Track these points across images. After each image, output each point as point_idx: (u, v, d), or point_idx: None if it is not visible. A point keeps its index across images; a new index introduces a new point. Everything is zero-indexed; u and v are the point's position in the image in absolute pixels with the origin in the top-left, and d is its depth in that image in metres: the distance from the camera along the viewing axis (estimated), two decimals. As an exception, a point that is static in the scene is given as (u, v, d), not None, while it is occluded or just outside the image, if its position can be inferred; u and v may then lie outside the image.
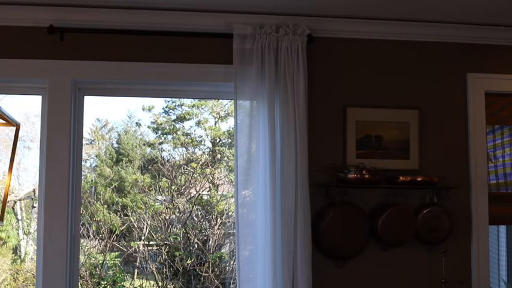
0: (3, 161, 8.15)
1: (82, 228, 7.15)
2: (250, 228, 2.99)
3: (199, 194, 7.59)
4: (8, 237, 8.24)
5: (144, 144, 8.96)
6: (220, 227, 7.28)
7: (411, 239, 3.14)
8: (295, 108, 2.98)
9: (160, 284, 7.20)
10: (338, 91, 3.22)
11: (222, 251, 7.24)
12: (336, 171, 3.10)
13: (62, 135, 2.98)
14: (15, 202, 8.57)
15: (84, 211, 7.38)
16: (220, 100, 7.66)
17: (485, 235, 3.27)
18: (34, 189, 8.44)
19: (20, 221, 8.63)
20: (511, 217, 3.50)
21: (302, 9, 3.06)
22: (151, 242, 7.46)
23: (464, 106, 3.32)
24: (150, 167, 8.19)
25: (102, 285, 7.23)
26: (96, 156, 9.07)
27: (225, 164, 8.03)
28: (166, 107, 8.62)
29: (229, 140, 8.01)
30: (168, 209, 7.46)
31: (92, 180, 8.31)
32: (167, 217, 7.43)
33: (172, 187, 7.57)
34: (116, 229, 7.49)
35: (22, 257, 8.32)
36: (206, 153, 8.23)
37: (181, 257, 7.15)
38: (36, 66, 3.00)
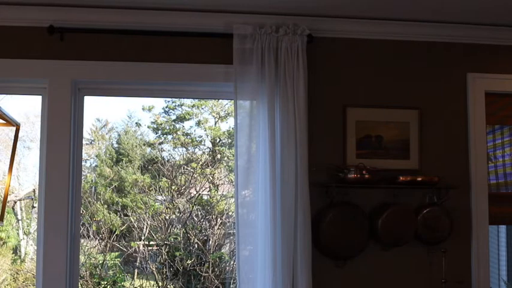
0: (3, 161, 8.15)
1: (82, 228, 7.16)
2: (250, 228, 2.99)
3: (199, 194, 7.59)
4: (8, 237, 8.24)
5: (144, 144, 8.96)
6: (220, 227, 7.28)
7: (411, 239, 3.14)
8: (295, 108, 2.98)
9: (160, 284, 7.20)
10: (338, 91, 3.22)
11: (222, 251, 7.24)
12: (336, 171, 3.10)
13: (62, 135, 2.98)
14: (15, 202, 8.57)
15: (84, 211, 7.39)
16: (220, 100, 7.66)
17: (485, 235, 3.27)
18: (34, 189, 8.44)
19: (20, 221, 8.64)
20: (511, 217, 3.50)
21: (302, 9, 3.06)
22: (151, 242, 7.46)
23: (464, 106, 3.32)
24: (150, 167, 8.19)
25: (102, 285, 7.23)
26: (96, 156, 9.08)
27: (225, 164, 8.04)
28: (166, 107, 8.63)
29: (229, 140, 8.01)
30: (168, 209, 7.47)
31: (92, 180, 8.31)
32: (167, 217, 7.43)
33: (172, 187, 7.57)
34: (116, 229, 7.50)
35: (22, 257, 8.32)
36: (206, 153, 8.23)
37: (182, 257, 7.15)
38: (36, 66, 3.00)
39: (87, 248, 7.30)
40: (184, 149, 8.27)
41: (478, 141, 3.30)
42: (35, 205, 8.33)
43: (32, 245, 8.25)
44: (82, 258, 7.00)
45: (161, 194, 7.65)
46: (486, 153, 3.34)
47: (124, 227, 7.61)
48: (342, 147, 3.18)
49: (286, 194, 2.93)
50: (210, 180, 7.73)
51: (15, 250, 8.37)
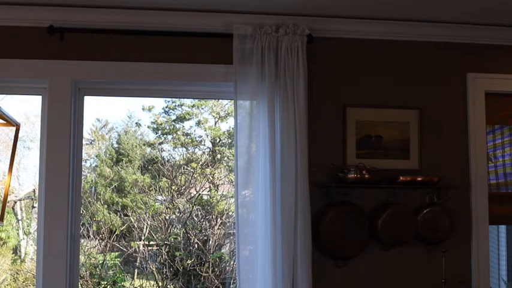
0: (3, 161, 8.15)
1: (82, 228, 7.16)
2: (250, 228, 2.99)
3: (199, 194, 7.60)
4: (8, 237, 8.25)
5: (144, 144, 8.97)
6: (220, 227, 7.29)
7: (411, 239, 3.14)
8: (295, 108, 2.98)
9: (160, 284, 7.21)
10: (338, 91, 3.21)
11: (222, 251, 7.25)
12: (336, 171, 3.10)
13: (62, 135, 2.98)
14: (15, 202, 8.58)
15: (84, 211, 7.39)
16: (220, 100, 7.66)
17: (485, 235, 3.26)
18: (34, 189, 8.45)
19: (20, 221, 8.64)
20: (511, 217, 3.50)
21: (302, 9, 3.06)
22: (151, 242, 7.47)
23: (464, 106, 3.32)
24: (150, 167, 8.20)
25: (102, 285, 7.24)
26: (96, 156, 9.08)
27: (225, 164, 8.04)
28: (166, 107, 8.64)
29: (229, 140, 8.01)
30: (168, 209, 7.47)
31: (92, 180, 8.32)
32: (167, 217, 7.43)
33: (172, 187, 7.58)
34: (116, 229, 7.50)
35: (22, 257, 8.33)
36: (206, 153, 8.24)
37: (182, 257, 7.16)
38: (36, 66, 3.00)
39: (87, 248, 7.30)
40: (184, 149, 8.28)
41: (478, 141, 3.30)
42: (35, 205, 8.34)
43: (32, 245, 8.26)
44: (82, 258, 7.00)
45: (161, 194, 7.66)
46: (486, 153, 3.33)
47: (124, 227, 7.62)
48: (342, 147, 3.18)
49: (286, 194, 2.93)
50: (210, 180, 7.73)
51: (15, 250, 8.38)
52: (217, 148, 8.22)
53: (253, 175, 2.99)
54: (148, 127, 8.83)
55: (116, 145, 9.45)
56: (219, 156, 8.14)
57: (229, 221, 7.25)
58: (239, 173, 2.97)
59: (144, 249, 7.45)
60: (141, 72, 3.07)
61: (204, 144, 8.35)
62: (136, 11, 3.03)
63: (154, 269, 7.26)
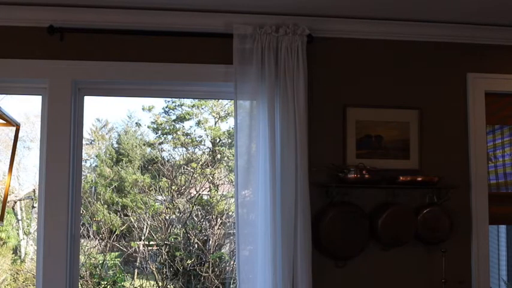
0: (3, 161, 8.16)
1: (82, 228, 7.16)
2: (250, 228, 2.99)
3: (199, 194, 7.60)
4: (8, 237, 8.25)
5: (144, 144, 8.97)
6: (220, 227, 7.29)
7: (411, 239, 3.14)
8: (295, 108, 2.98)
9: (160, 284, 7.21)
10: (338, 91, 3.21)
11: (222, 251, 7.25)
12: (336, 171, 3.10)
13: (62, 135, 2.98)
14: (15, 202, 8.58)
15: (84, 211, 7.40)
16: (220, 100, 7.66)
17: (485, 235, 3.27)
18: (34, 189, 8.45)
19: (20, 221, 8.64)
20: (511, 217, 3.50)
21: (302, 9, 3.06)
22: (151, 242, 7.47)
23: (464, 106, 3.32)
24: (150, 167, 8.20)
25: (102, 285, 7.24)
26: (96, 156, 9.08)
27: (225, 164, 8.04)
28: (166, 107, 8.64)
29: (229, 140, 8.01)
30: (168, 209, 7.47)
31: (92, 180, 8.32)
32: (167, 217, 7.44)
33: (172, 187, 7.58)
34: (116, 229, 7.51)
35: (22, 257, 8.33)
36: (206, 153, 8.24)
37: (182, 257, 7.16)
38: (36, 66, 3.00)
39: (87, 248, 7.30)
40: (184, 149, 8.28)
41: (478, 141, 3.30)
42: (35, 205, 8.34)
43: (32, 245, 8.26)
44: (82, 258, 7.00)
45: (161, 194, 7.66)
46: (486, 153, 3.34)
47: (124, 227, 7.62)
48: (342, 147, 3.18)
49: (286, 194, 2.93)
50: (210, 180, 7.73)
51: (15, 250, 8.38)
52: (217, 148, 8.22)
53: (253, 175, 2.99)
54: (148, 127, 8.84)
55: (116, 145, 9.45)
56: (219, 156, 8.14)
57: (229, 221, 7.26)
58: (239, 173, 2.98)
59: (144, 249, 7.45)
60: (141, 72, 3.08)
61: (204, 144, 8.35)
62: (136, 11, 3.03)
63: (154, 269, 7.26)
